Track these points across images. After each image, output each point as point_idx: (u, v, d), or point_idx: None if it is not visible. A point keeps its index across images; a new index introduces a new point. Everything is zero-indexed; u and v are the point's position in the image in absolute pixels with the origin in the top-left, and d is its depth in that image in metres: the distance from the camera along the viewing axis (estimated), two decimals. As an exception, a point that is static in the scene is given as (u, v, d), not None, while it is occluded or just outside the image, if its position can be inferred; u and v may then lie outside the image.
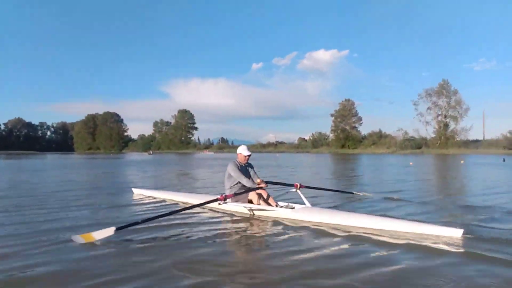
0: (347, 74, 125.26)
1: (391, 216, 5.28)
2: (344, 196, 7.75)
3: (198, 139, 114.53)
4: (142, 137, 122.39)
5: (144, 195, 8.00)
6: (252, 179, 5.90)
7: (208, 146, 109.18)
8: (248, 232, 4.72)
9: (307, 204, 5.70)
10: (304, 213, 5.32)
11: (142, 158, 44.63)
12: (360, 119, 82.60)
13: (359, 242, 4.15)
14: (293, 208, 5.61)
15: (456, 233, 4.25)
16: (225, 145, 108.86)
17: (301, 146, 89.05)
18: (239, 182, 5.80)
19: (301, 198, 5.86)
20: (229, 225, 5.12)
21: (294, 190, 6.08)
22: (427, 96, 71.75)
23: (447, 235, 4.26)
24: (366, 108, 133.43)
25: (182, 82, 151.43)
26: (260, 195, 5.76)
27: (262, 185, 5.67)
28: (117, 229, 4.24)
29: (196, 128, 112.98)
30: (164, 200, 7.30)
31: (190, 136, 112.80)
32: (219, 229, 4.83)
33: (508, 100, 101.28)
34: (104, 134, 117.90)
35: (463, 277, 3.07)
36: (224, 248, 4.05)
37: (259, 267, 3.40)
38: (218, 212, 5.91)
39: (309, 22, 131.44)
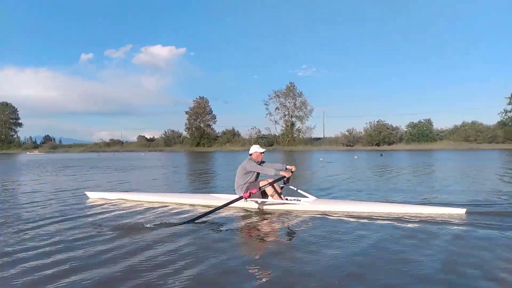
0: (186, 72, 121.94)
1: (392, 201, 6.14)
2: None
3: (18, 137, 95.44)
4: None
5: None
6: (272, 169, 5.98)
7: (37, 145, 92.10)
8: (278, 226, 4.96)
9: (311, 197, 6.00)
10: (320, 205, 5.69)
11: None
12: (214, 117, 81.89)
13: (379, 225, 4.75)
14: (301, 200, 5.88)
15: (460, 211, 5.08)
16: (59, 145, 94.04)
17: (153, 144, 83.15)
18: (255, 178, 6.06)
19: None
20: (251, 222, 5.19)
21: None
22: (276, 97, 75.83)
23: (452, 213, 5.09)
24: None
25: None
26: (275, 189, 5.97)
27: (290, 168, 5.93)
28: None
29: (20, 125, 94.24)
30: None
31: (13, 134, 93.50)
32: (244, 227, 5.02)
33: (342, 103, 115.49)
34: None
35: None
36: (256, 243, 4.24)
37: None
38: (233, 209, 5.88)
39: (144, 15, 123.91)
